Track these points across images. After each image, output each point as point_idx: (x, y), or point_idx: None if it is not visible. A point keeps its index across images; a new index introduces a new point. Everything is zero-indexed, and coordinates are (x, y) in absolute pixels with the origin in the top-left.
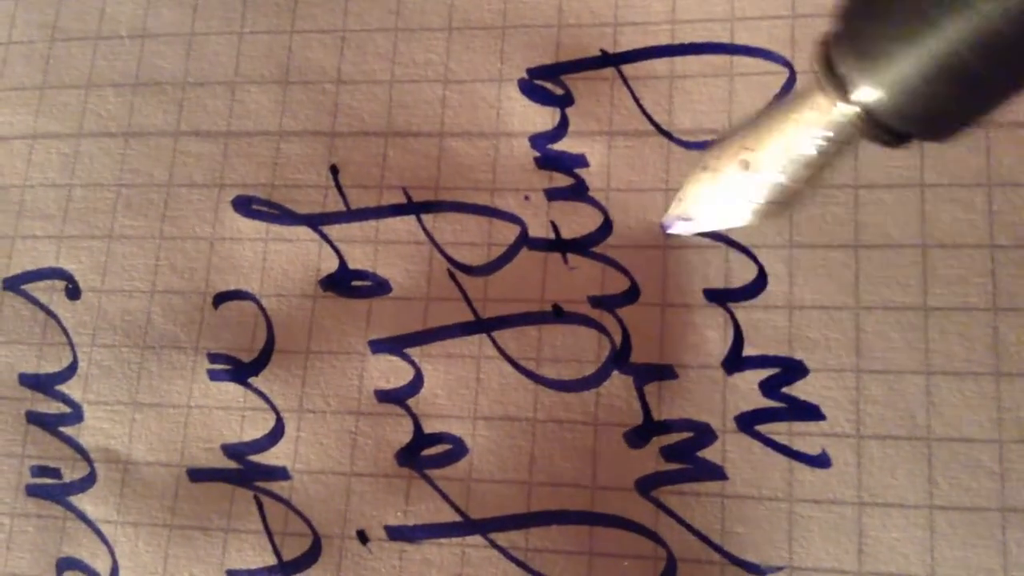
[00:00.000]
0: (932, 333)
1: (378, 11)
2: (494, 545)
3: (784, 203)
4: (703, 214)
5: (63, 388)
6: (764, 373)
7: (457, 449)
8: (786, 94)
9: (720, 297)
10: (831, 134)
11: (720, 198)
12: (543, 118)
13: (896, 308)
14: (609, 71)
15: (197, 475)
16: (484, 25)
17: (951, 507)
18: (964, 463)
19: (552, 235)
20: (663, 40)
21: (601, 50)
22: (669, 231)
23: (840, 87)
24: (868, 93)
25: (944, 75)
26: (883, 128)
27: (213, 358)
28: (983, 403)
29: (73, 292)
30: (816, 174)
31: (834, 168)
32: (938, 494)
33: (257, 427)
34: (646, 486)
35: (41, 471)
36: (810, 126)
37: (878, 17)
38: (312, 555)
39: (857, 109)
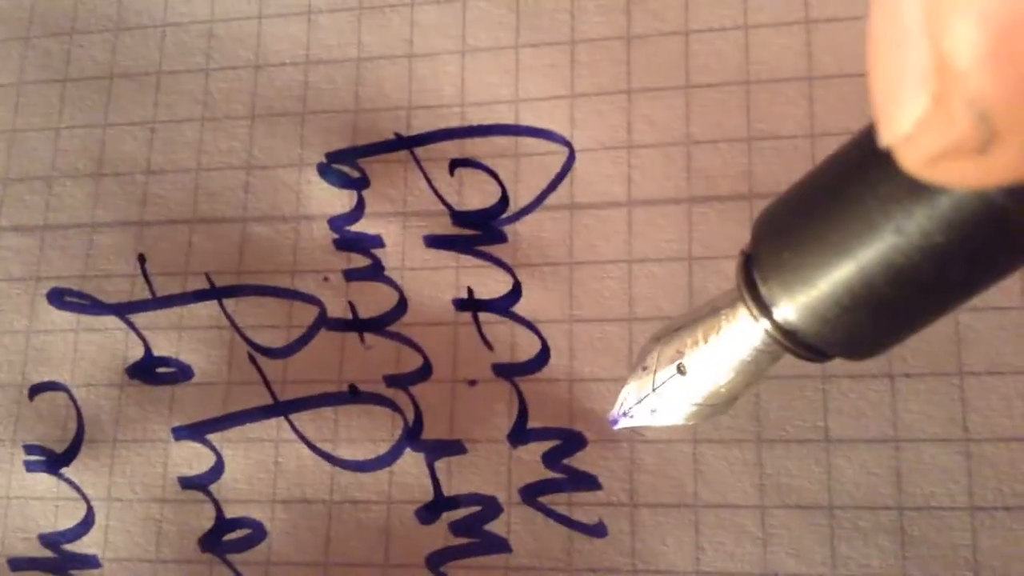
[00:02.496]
0: None
1: (185, 101)
2: None
3: (719, 404)
4: (641, 413)
5: None
6: (547, 445)
7: (257, 533)
8: (566, 174)
9: (507, 371)
10: (757, 346)
11: (656, 399)
12: (341, 201)
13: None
14: (403, 153)
15: (16, 564)
16: (285, 112)
17: (716, 573)
18: (729, 529)
19: (350, 315)
20: (454, 122)
21: (395, 133)
22: (615, 427)
23: (760, 303)
24: (786, 312)
25: (859, 301)
26: (802, 346)
27: (29, 449)
28: (746, 470)
29: None
30: (748, 378)
31: (766, 369)
32: (705, 560)
33: (70, 516)
34: (436, 562)
35: None
36: (736, 338)
37: (792, 241)
38: None
39: (775, 327)
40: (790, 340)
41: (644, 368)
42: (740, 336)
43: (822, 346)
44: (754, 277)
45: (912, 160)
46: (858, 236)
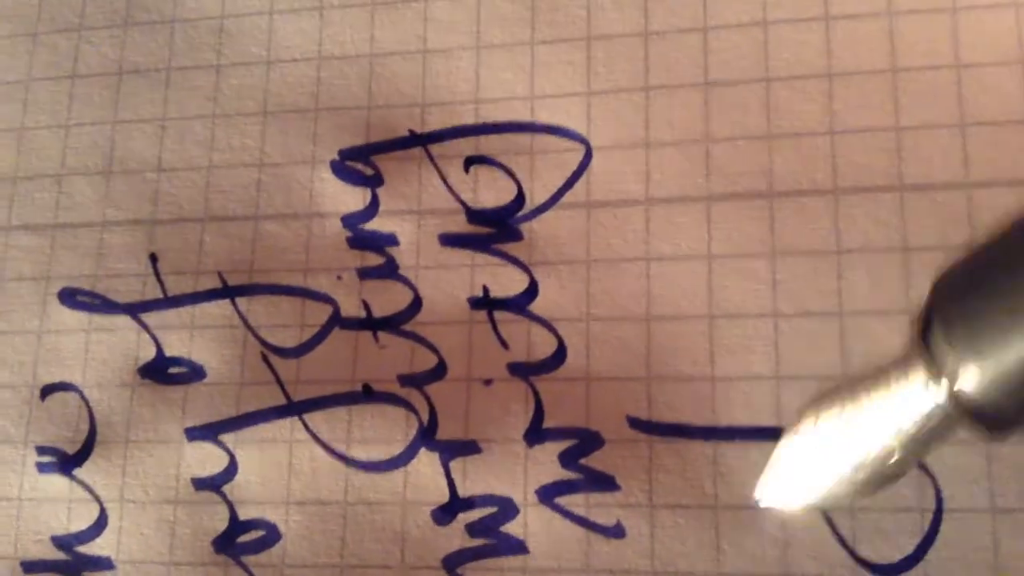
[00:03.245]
0: (719, 402)
1: (196, 98)
2: None
3: (883, 477)
4: (796, 487)
5: None
6: (563, 445)
7: (271, 535)
8: (583, 172)
9: (523, 370)
10: (927, 415)
11: (813, 469)
12: (355, 198)
13: (685, 379)
14: (417, 151)
15: (30, 567)
16: (297, 108)
17: (738, 574)
18: (749, 530)
19: (364, 314)
20: (468, 119)
21: (409, 130)
22: (762, 504)
23: (939, 369)
24: (969, 381)
25: None
26: (981, 417)
27: (40, 450)
28: None
29: None
30: (911, 452)
31: (934, 448)
32: (725, 561)
33: (83, 518)
34: (452, 563)
35: None
36: (906, 403)
37: (982, 306)
38: None
39: (957, 394)
40: (970, 411)
41: (795, 433)
42: (909, 403)
43: (1004, 421)
44: (932, 341)
45: None
46: None
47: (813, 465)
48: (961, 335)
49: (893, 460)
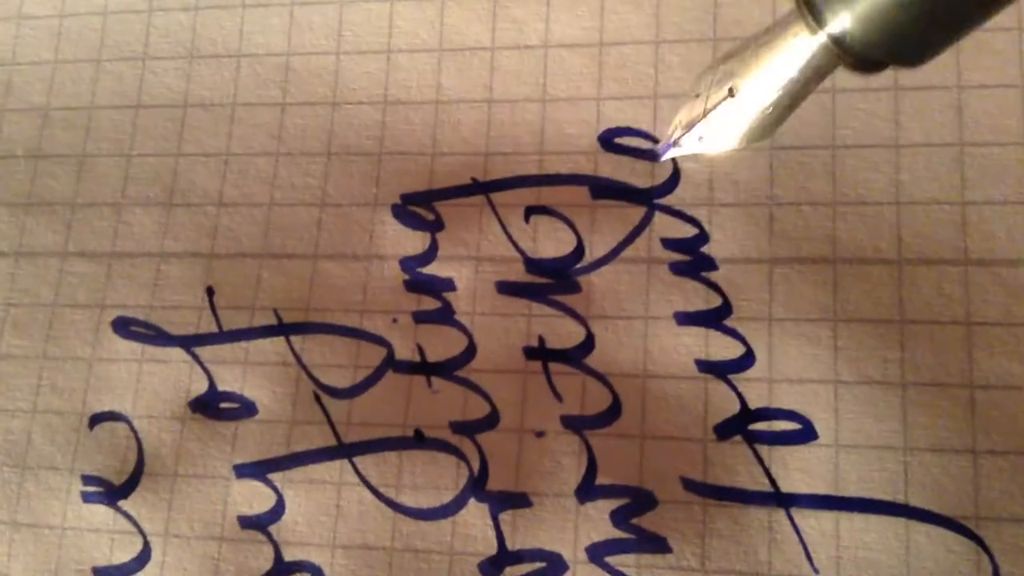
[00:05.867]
0: (776, 469)
1: (261, 135)
2: None
3: (767, 126)
4: (691, 139)
5: None
6: (615, 503)
7: None
8: (645, 227)
9: (576, 424)
10: (809, 62)
11: (707, 123)
12: (414, 242)
13: (741, 442)
14: (479, 198)
15: None
16: (362, 151)
17: None
18: None
19: (418, 358)
20: (531, 170)
21: (472, 178)
22: (662, 157)
23: (817, 16)
24: (842, 22)
25: (915, 3)
26: (857, 56)
27: (86, 480)
28: (823, 540)
29: None
30: (796, 98)
31: (812, 90)
32: None
33: (126, 550)
34: None
35: None
36: (790, 54)
37: None
38: None
39: (832, 38)
40: (845, 50)
41: (696, 95)
42: (794, 52)
43: (874, 52)
44: None
45: None
46: None
47: (719, 117)
48: None
49: (784, 104)
